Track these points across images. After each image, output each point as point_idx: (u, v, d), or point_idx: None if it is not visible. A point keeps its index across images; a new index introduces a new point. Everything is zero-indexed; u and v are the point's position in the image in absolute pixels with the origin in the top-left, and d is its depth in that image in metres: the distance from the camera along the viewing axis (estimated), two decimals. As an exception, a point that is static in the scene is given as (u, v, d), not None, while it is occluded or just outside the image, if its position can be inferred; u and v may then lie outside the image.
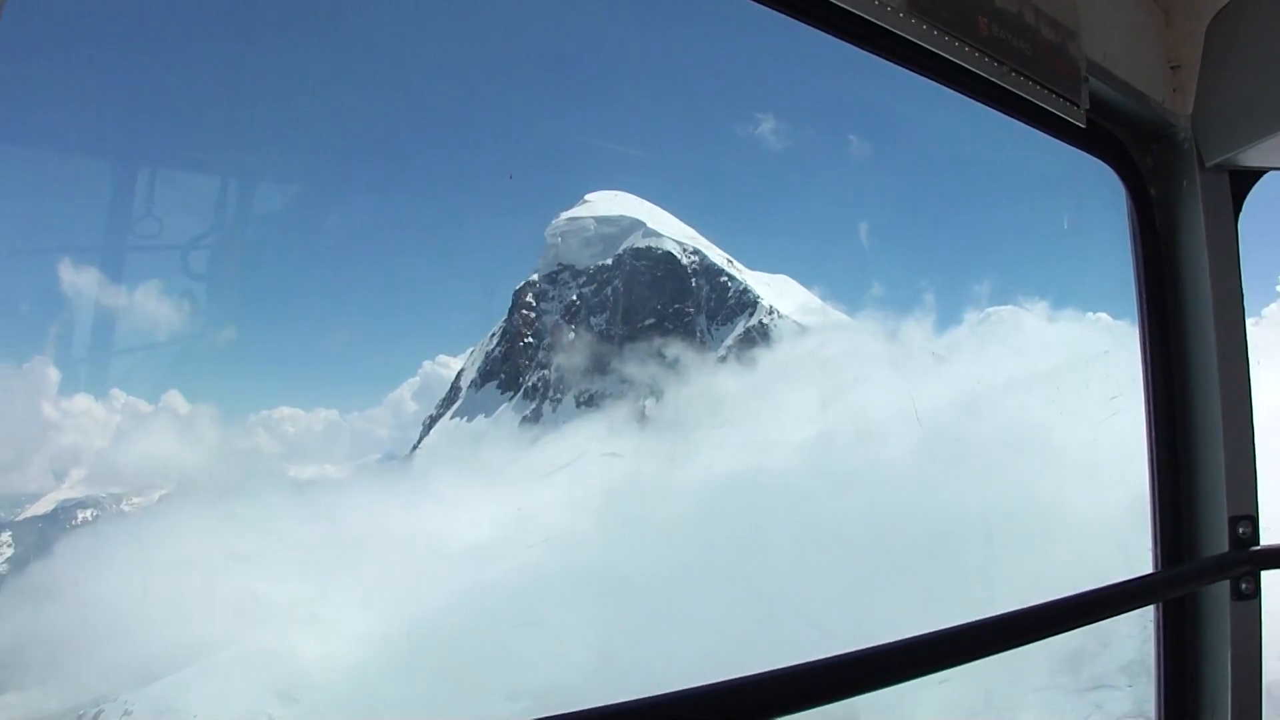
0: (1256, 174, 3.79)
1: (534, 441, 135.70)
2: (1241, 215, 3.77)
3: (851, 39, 2.88)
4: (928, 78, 3.17)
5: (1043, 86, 3.22)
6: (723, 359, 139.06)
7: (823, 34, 2.94)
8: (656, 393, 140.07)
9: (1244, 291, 3.72)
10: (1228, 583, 3.48)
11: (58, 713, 76.66)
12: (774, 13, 2.76)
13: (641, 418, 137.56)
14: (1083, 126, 3.35)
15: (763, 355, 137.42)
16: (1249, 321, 3.73)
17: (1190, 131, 3.73)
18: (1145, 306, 3.80)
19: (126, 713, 69.87)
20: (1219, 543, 3.54)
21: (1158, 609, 3.64)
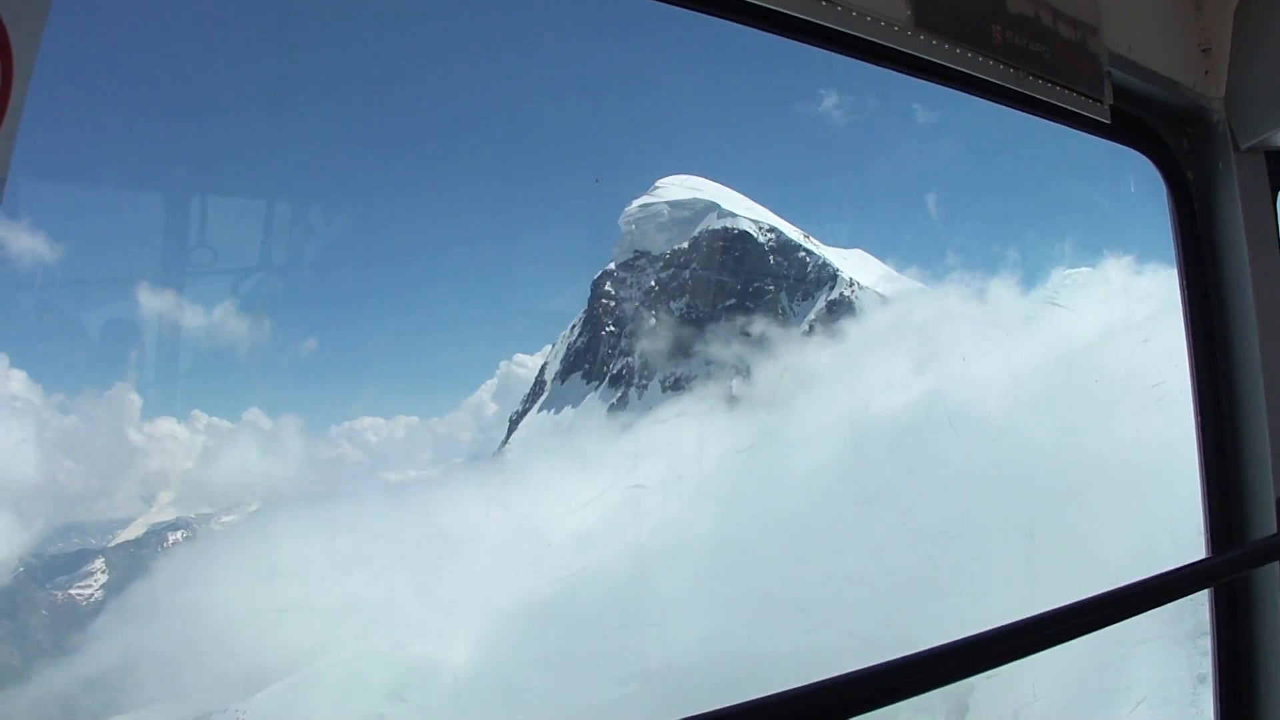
0: None
1: (625, 428, 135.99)
2: (1280, 195, 3.76)
3: (860, 56, 2.98)
4: (943, 85, 3.25)
5: (1063, 87, 3.26)
6: (807, 333, 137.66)
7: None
8: (742, 371, 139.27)
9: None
10: (1277, 564, 3.50)
11: (167, 727, 79.10)
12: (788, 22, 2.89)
13: (730, 397, 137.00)
14: (1107, 122, 3.39)
15: (848, 326, 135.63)
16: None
17: (1224, 114, 3.72)
18: (1187, 290, 3.82)
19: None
20: (1268, 523, 3.55)
21: (1209, 592, 3.67)
